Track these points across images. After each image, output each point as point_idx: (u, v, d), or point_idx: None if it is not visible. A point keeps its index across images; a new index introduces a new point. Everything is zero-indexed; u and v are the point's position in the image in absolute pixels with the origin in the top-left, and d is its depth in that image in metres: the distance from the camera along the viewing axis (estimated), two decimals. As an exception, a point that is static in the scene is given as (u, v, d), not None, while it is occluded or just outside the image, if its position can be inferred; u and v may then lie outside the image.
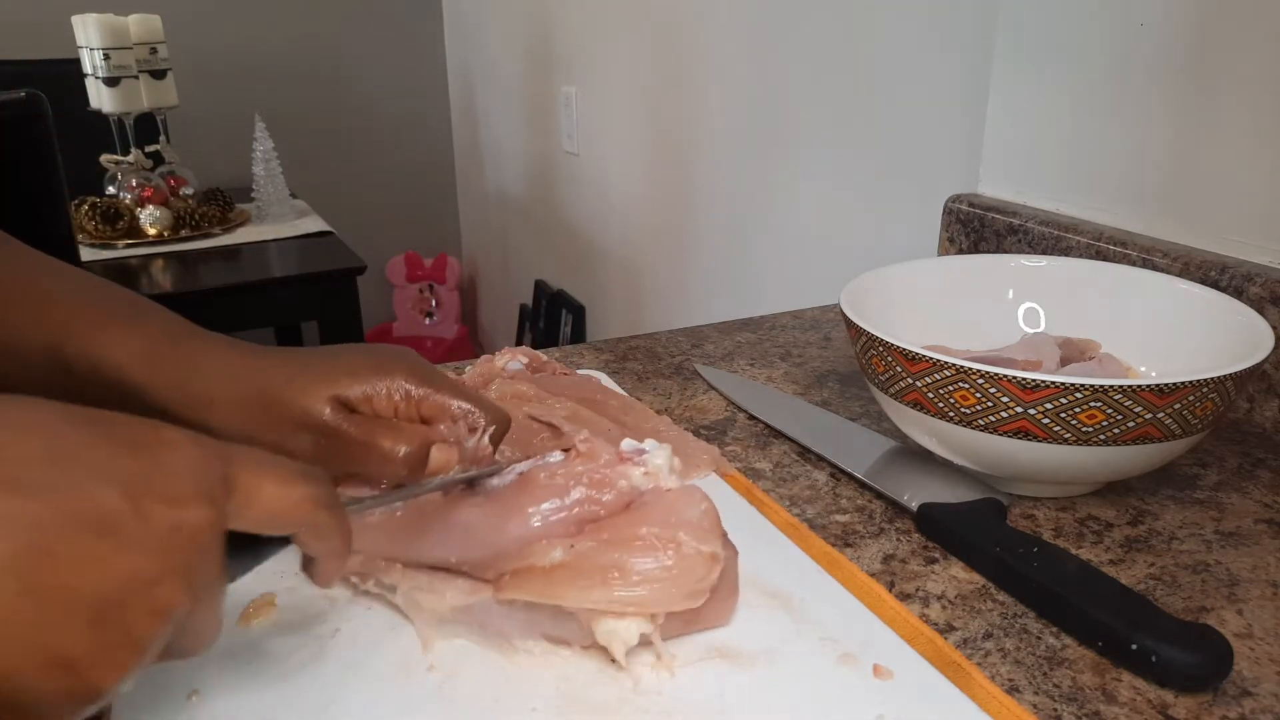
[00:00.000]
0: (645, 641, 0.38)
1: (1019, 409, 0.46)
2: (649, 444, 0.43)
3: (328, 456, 0.41)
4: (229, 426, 0.41)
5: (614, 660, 0.38)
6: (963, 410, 0.48)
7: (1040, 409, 0.46)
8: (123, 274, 1.56)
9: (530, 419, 0.54)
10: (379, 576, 0.42)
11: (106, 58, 1.62)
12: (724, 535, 0.41)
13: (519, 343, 2.32)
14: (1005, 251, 0.80)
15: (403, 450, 0.41)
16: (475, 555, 0.41)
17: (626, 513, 0.41)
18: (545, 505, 0.41)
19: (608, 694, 0.37)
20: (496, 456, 0.49)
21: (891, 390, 0.52)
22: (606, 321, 1.90)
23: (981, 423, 0.48)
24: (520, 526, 0.41)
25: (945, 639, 0.41)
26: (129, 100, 1.67)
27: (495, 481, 0.43)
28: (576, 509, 0.41)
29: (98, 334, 0.41)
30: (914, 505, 0.50)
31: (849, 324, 0.54)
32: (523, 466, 0.44)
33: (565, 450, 0.44)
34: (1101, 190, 0.74)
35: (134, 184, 1.70)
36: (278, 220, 1.83)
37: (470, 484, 0.44)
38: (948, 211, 0.86)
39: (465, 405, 0.43)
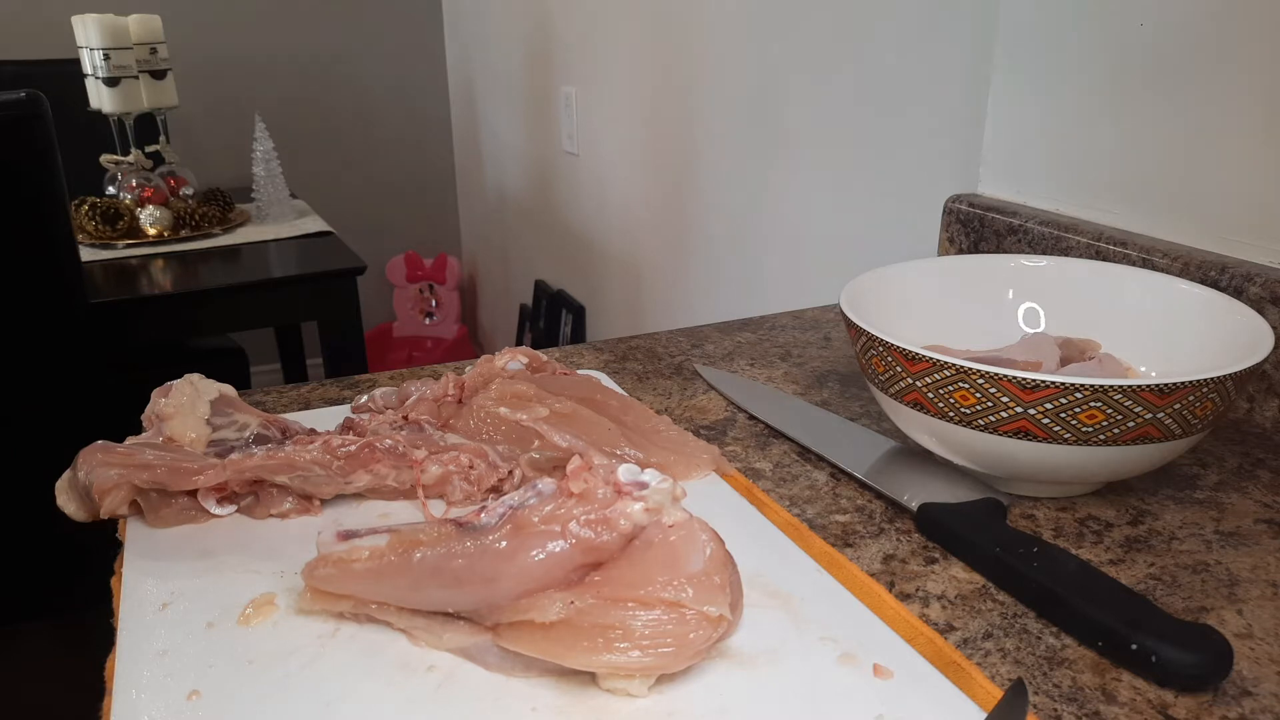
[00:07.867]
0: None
1: (1019, 409, 0.46)
2: (649, 474, 0.40)
3: None
4: None
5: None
6: (963, 410, 0.48)
7: (1040, 409, 0.46)
8: (123, 274, 1.56)
9: (521, 425, 0.54)
10: (373, 616, 0.41)
11: (106, 58, 1.62)
12: (731, 567, 0.39)
13: (519, 343, 2.32)
14: (1005, 251, 0.80)
15: None
16: (470, 605, 0.39)
17: (627, 557, 0.39)
18: (540, 555, 0.39)
19: (608, 694, 0.37)
20: (492, 458, 0.49)
21: (891, 390, 0.52)
22: (606, 321, 1.90)
23: (981, 423, 0.48)
24: (516, 579, 0.39)
25: (945, 639, 0.41)
26: (129, 100, 1.67)
27: (484, 518, 0.41)
28: (575, 555, 0.39)
29: None
30: (914, 505, 0.50)
31: (849, 324, 0.54)
32: (512, 500, 0.41)
33: (558, 467, 0.43)
34: (1101, 190, 0.74)
35: (134, 184, 1.70)
36: (278, 220, 1.83)
37: (458, 523, 0.42)
38: (948, 211, 0.86)
39: None
